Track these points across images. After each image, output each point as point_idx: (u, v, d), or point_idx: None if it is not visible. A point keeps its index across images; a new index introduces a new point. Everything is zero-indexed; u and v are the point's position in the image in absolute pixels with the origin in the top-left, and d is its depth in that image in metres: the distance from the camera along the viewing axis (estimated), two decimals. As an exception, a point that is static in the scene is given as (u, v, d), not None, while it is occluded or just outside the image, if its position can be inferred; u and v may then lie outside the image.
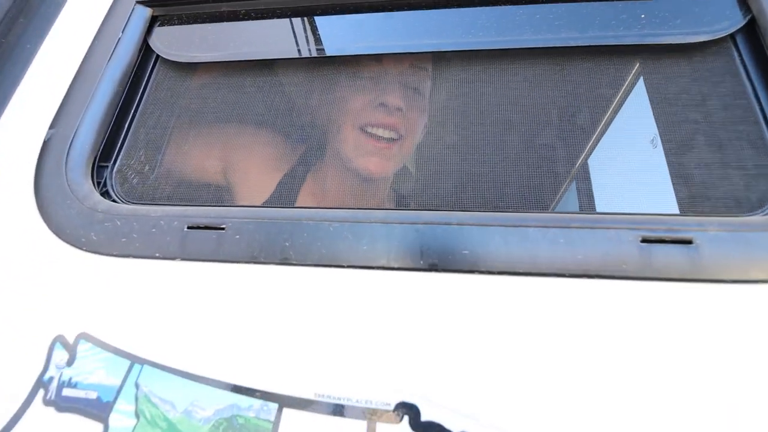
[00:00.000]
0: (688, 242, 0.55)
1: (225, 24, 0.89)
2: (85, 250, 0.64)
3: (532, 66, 0.83)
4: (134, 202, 0.72)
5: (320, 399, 0.51)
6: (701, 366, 0.49)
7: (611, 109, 0.79)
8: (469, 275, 0.56)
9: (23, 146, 0.76)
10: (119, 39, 0.85)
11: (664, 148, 0.70)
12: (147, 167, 0.82)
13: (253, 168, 0.98)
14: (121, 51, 0.84)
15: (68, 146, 0.74)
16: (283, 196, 0.94)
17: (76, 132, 0.75)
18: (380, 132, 0.93)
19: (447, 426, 0.49)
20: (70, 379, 0.55)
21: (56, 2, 0.95)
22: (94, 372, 0.55)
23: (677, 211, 0.65)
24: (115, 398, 0.53)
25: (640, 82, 0.77)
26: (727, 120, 0.69)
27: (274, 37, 0.87)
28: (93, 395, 0.54)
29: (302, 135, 0.99)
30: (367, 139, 0.93)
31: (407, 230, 0.59)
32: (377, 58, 0.93)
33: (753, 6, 0.69)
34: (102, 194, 0.72)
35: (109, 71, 0.82)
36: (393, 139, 0.93)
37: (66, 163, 0.72)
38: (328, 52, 0.85)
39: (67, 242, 0.65)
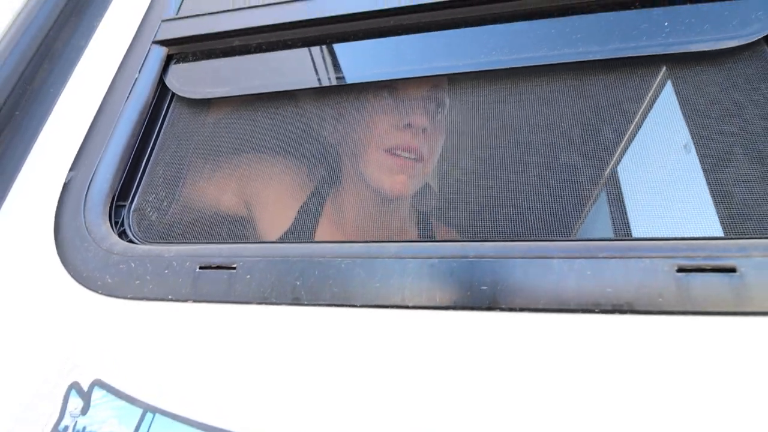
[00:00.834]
0: (731, 270, 0.49)
1: (238, 59, 0.90)
2: (101, 293, 0.64)
3: (551, 83, 0.80)
4: (150, 241, 0.72)
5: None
6: (748, 409, 0.44)
7: (638, 125, 0.75)
8: (488, 313, 0.52)
9: (46, 189, 0.78)
10: (136, 79, 0.87)
11: (699, 165, 0.65)
12: (164, 204, 0.83)
13: (272, 199, 0.98)
14: (139, 90, 0.86)
15: (87, 187, 0.75)
16: (304, 225, 0.93)
17: (94, 173, 0.77)
18: (406, 154, 0.92)
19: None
20: (84, 428, 0.54)
21: (78, 46, 0.98)
22: (107, 421, 0.54)
23: (716, 234, 0.60)
24: (128, 448, 0.52)
25: (668, 95, 0.72)
26: (766, 130, 0.64)
27: (284, 69, 0.87)
28: (106, 445, 0.53)
29: (320, 163, 0.98)
30: (394, 159, 0.92)
31: (422, 265, 0.56)
32: (394, 81, 0.92)
33: (788, 7, 0.65)
34: (119, 234, 0.72)
35: (127, 111, 0.83)
36: (419, 159, 0.93)
37: (84, 204, 0.73)
38: (340, 81, 0.84)
39: (84, 285, 0.65)
